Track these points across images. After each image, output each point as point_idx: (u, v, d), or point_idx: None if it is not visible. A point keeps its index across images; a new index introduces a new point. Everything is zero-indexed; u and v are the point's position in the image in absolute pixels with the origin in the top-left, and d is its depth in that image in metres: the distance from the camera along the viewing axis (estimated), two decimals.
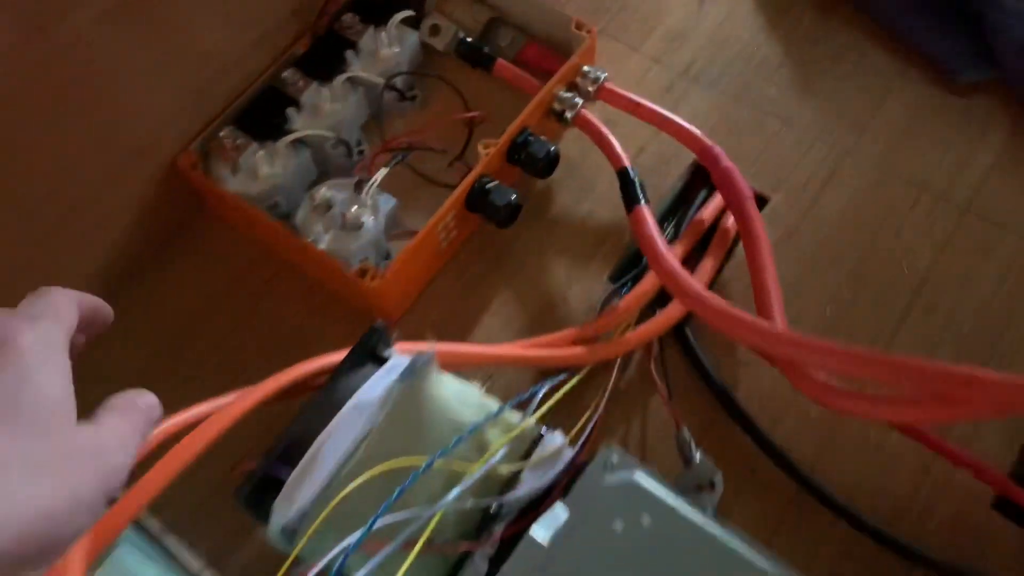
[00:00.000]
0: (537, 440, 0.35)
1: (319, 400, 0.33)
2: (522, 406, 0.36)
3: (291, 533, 0.31)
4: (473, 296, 0.43)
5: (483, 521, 0.34)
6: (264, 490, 0.32)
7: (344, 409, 0.32)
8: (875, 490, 0.37)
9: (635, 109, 0.45)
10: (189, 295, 0.44)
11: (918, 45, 0.48)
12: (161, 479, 0.29)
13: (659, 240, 0.39)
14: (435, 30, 0.47)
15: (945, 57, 0.47)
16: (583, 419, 0.39)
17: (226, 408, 0.31)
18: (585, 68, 0.45)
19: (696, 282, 0.37)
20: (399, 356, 0.34)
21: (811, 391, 0.35)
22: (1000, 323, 0.41)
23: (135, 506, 0.28)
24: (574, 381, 0.39)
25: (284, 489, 0.31)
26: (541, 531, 0.32)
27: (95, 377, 0.37)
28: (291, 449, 0.32)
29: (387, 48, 0.45)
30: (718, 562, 0.31)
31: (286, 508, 0.31)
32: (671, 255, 0.39)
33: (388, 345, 0.35)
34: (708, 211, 0.44)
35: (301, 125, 0.44)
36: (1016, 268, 0.42)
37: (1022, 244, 0.43)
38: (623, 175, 0.42)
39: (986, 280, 0.42)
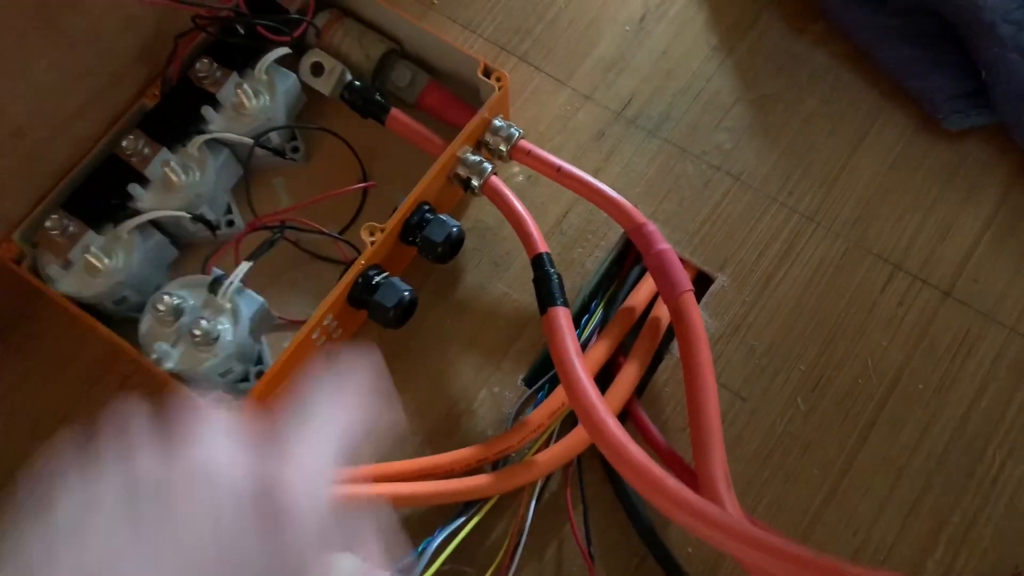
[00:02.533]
0: None
1: None
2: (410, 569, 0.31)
3: None
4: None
5: None
6: None
7: None
8: None
9: (555, 175, 0.37)
10: (31, 407, 0.37)
11: (901, 78, 0.40)
12: None
13: (571, 355, 0.32)
14: (318, 70, 0.39)
15: (932, 96, 0.39)
16: (489, 571, 0.33)
17: None
18: (496, 122, 0.37)
19: (615, 422, 0.31)
20: None
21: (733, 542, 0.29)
22: (982, 436, 0.34)
23: None
24: (475, 521, 0.33)
25: None
26: None
27: None
28: None
29: (253, 100, 0.37)
30: None
31: None
32: (585, 378, 0.32)
33: None
34: (641, 295, 0.37)
35: (149, 203, 0.36)
36: (1002, 368, 0.35)
37: (1011, 337, 0.36)
38: (537, 265, 0.35)
39: (965, 387, 0.35)
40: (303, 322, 0.33)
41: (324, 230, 0.37)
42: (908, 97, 0.40)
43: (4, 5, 0.32)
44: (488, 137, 0.37)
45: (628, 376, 0.35)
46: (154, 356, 0.33)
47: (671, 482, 0.29)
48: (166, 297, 0.34)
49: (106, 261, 0.35)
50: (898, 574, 0.32)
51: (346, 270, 0.35)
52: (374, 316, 0.35)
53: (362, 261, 0.34)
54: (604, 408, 0.31)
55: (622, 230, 0.38)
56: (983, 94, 0.39)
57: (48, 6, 0.33)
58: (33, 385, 0.37)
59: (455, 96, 0.39)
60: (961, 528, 0.33)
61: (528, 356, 0.37)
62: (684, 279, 0.34)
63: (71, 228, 0.35)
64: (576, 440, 0.34)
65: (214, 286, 0.34)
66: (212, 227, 0.37)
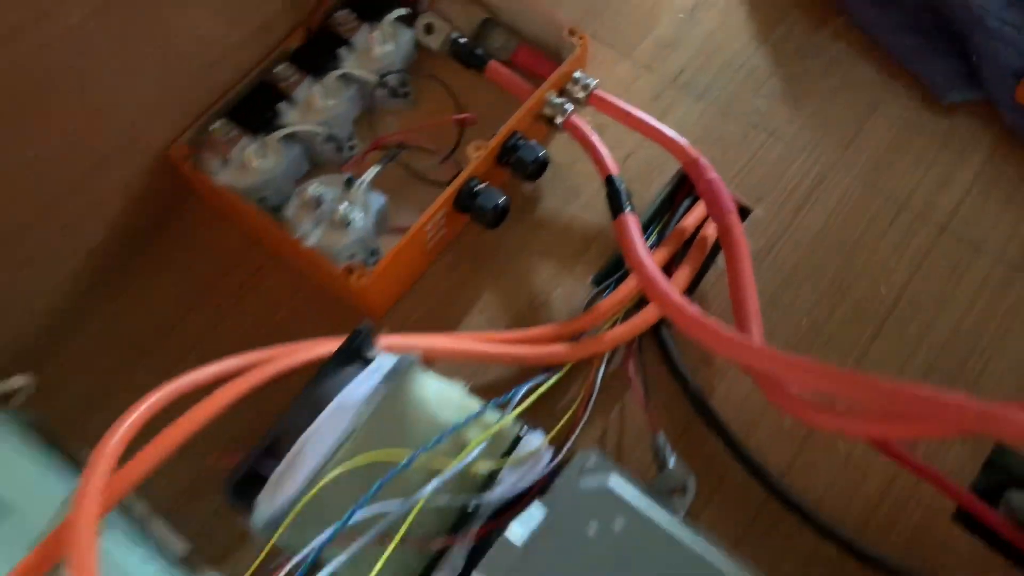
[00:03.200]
0: (517, 440, 0.36)
1: (304, 398, 0.33)
2: (503, 407, 0.37)
3: (275, 527, 0.32)
4: (458, 295, 0.44)
5: (461, 518, 0.35)
6: (250, 483, 0.32)
7: (328, 408, 0.33)
8: (842, 499, 0.39)
9: (624, 117, 0.45)
10: (174, 286, 0.44)
11: (906, 63, 0.49)
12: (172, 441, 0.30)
13: (641, 247, 0.40)
14: (429, 29, 0.48)
15: (932, 77, 0.48)
16: (563, 420, 0.40)
17: (229, 386, 0.32)
18: (576, 74, 0.46)
19: (674, 290, 0.38)
20: (384, 357, 0.35)
21: (784, 404, 0.36)
22: (969, 343, 0.42)
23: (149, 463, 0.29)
24: (553, 380, 0.40)
25: (268, 484, 0.32)
26: (517, 530, 0.33)
27: (76, 368, 0.38)
28: (276, 445, 0.33)
29: (380, 46, 0.46)
30: (687, 567, 0.32)
31: (269, 503, 0.32)
32: (651, 262, 0.39)
33: (373, 346, 0.35)
34: (691, 220, 0.45)
35: (293, 120, 0.44)
36: (988, 290, 0.43)
37: (995, 265, 0.44)
38: (609, 183, 0.43)
39: (959, 300, 0.43)
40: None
41: (434, 149, 0.45)
42: (911, 77, 0.49)
43: None
44: (569, 85, 0.46)
45: (682, 276, 0.43)
46: (299, 234, 0.41)
47: (722, 327, 0.36)
48: (310, 188, 0.41)
49: (257, 162, 0.43)
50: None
51: (453, 179, 0.42)
52: (475, 218, 0.43)
53: (467, 173, 0.42)
54: (666, 280, 0.38)
55: (674, 171, 0.47)
56: (973, 75, 0.47)
57: None
58: (174, 270, 0.44)
59: (541, 54, 0.48)
60: None
61: (595, 264, 0.45)
62: (730, 202, 0.42)
63: (232, 133, 0.43)
64: (638, 322, 0.41)
65: (349, 182, 0.42)
66: (340, 146, 0.45)
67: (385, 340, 0.37)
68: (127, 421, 0.30)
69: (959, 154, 0.47)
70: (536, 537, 0.33)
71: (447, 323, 0.43)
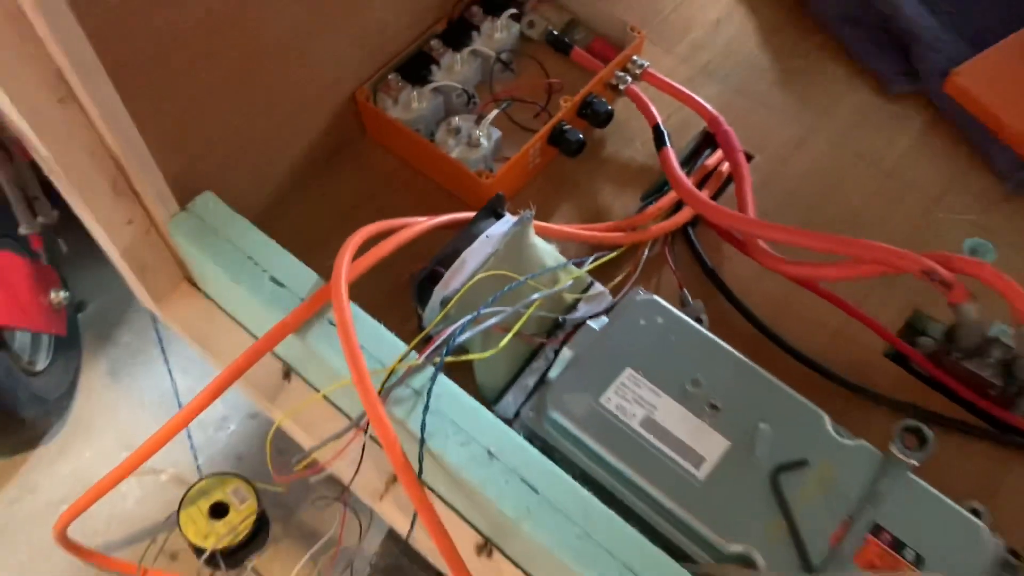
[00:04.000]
0: (588, 286, 0.55)
1: (464, 233, 0.52)
2: (580, 266, 0.56)
3: (445, 305, 0.51)
4: (549, 203, 0.63)
5: (553, 327, 0.53)
6: (430, 281, 0.51)
7: (479, 237, 0.52)
8: (807, 338, 0.57)
9: (668, 88, 0.65)
10: (348, 191, 0.63)
11: (865, 61, 0.69)
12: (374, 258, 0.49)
13: (677, 167, 0.59)
14: (531, 24, 0.68)
15: (885, 71, 0.68)
16: (618, 278, 0.58)
17: (415, 224, 0.51)
18: (634, 58, 0.66)
19: (701, 193, 0.57)
20: (511, 216, 0.54)
21: (765, 261, 0.55)
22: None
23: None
24: (614, 254, 0.59)
25: (443, 280, 0.51)
26: (594, 324, 0.52)
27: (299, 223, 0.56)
28: (446, 259, 0.52)
29: (499, 32, 0.66)
30: (706, 347, 0.51)
31: (443, 290, 0.51)
32: (684, 176, 0.59)
33: (503, 208, 0.55)
34: (712, 160, 0.64)
35: (440, 78, 0.64)
36: (915, 213, 0.62)
37: (922, 198, 0.63)
38: (656, 129, 0.62)
39: (897, 219, 0.62)
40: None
41: (533, 101, 0.65)
42: (869, 73, 0.69)
43: None
44: (629, 65, 0.66)
45: (705, 192, 0.62)
46: (446, 150, 0.60)
47: (729, 209, 0.55)
48: (455, 120, 0.61)
49: (416, 103, 0.62)
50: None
51: (548, 121, 0.62)
52: (563, 147, 0.62)
53: (558, 117, 0.62)
54: (693, 186, 0.58)
55: (699, 130, 0.66)
56: (915, 72, 0.67)
57: None
58: (349, 180, 0.64)
59: (610, 44, 0.68)
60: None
61: (644, 186, 0.64)
62: (738, 145, 0.62)
63: (400, 83, 0.63)
64: (673, 221, 0.60)
65: (478, 120, 0.61)
66: (470, 98, 0.65)
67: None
68: (353, 240, 0.49)
69: (901, 127, 0.66)
70: (605, 327, 0.51)
71: (543, 216, 0.62)
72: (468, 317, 0.48)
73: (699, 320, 0.56)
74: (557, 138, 0.62)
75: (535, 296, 0.51)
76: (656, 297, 0.53)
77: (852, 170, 0.64)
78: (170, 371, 0.86)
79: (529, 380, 0.53)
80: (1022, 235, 0.62)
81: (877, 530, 0.45)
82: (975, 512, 0.47)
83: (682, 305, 0.58)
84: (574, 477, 0.45)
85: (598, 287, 0.55)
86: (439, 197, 0.63)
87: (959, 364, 0.54)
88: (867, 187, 0.64)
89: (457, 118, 0.62)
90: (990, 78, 0.65)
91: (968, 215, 0.62)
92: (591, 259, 0.57)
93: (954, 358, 0.54)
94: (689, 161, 0.65)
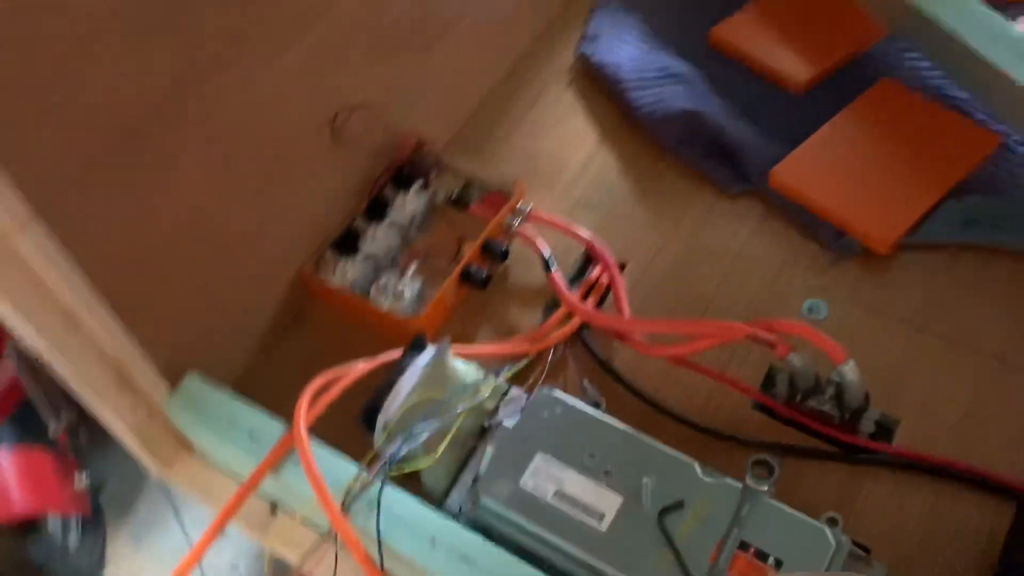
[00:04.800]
0: (507, 391, 0.69)
1: (396, 368, 0.66)
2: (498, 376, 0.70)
3: (384, 430, 0.64)
4: (471, 329, 0.78)
5: (482, 431, 0.67)
6: (373, 411, 0.65)
7: (408, 369, 0.66)
8: (684, 402, 0.70)
9: (550, 223, 0.81)
10: (304, 347, 0.78)
11: (705, 172, 0.85)
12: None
13: (565, 286, 0.75)
14: (435, 191, 0.84)
15: (721, 178, 0.85)
16: (533, 379, 0.72)
17: (356, 368, 0.65)
18: (521, 203, 0.82)
19: (584, 304, 0.72)
20: (432, 346, 0.68)
21: (638, 347, 0.69)
22: (750, 311, 0.75)
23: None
24: (525, 362, 0.73)
25: (383, 408, 0.64)
26: (509, 422, 0.65)
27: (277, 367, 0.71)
28: (383, 391, 0.65)
29: (410, 203, 0.82)
30: (597, 428, 0.64)
31: (384, 416, 0.64)
32: (570, 293, 0.74)
33: (425, 342, 0.69)
34: (594, 274, 0.79)
35: (367, 247, 0.79)
36: (761, 288, 0.77)
37: (765, 274, 0.78)
38: (543, 258, 0.78)
39: (748, 295, 0.77)
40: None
41: (446, 251, 0.80)
42: (710, 180, 0.85)
43: None
44: (518, 210, 0.82)
45: (590, 302, 0.77)
46: (379, 304, 0.75)
47: (609, 313, 0.69)
48: (382, 279, 0.76)
49: (351, 272, 0.78)
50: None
51: (458, 265, 0.77)
52: (473, 283, 0.77)
53: (464, 260, 0.77)
54: (579, 300, 0.73)
55: (581, 251, 0.82)
56: (746, 175, 0.84)
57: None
58: (304, 338, 0.78)
59: (500, 195, 0.84)
60: None
61: (543, 302, 0.79)
62: (612, 259, 0.77)
63: (335, 257, 0.78)
64: (569, 327, 0.75)
65: (401, 274, 0.77)
66: (393, 259, 0.80)
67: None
68: (308, 390, 0.63)
69: (741, 221, 0.82)
70: (517, 424, 0.65)
71: (463, 341, 0.76)
72: (404, 435, 0.62)
73: (597, 404, 0.70)
74: (467, 277, 0.77)
75: (459, 409, 0.65)
76: (556, 392, 0.66)
77: (706, 261, 0.80)
78: (184, 530, 0.98)
79: (468, 477, 0.66)
80: (849, 290, 0.76)
81: (744, 546, 0.57)
82: (832, 520, 0.60)
83: (584, 393, 0.71)
84: (510, 550, 0.57)
85: (515, 391, 0.69)
86: (378, 342, 0.77)
87: (805, 404, 0.68)
88: (719, 273, 0.79)
89: (384, 277, 0.77)
90: (801, 171, 0.82)
91: (804, 282, 0.77)
92: (506, 369, 0.71)
93: (799, 400, 0.68)
94: (578, 277, 0.80)
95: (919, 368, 0.72)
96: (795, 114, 0.87)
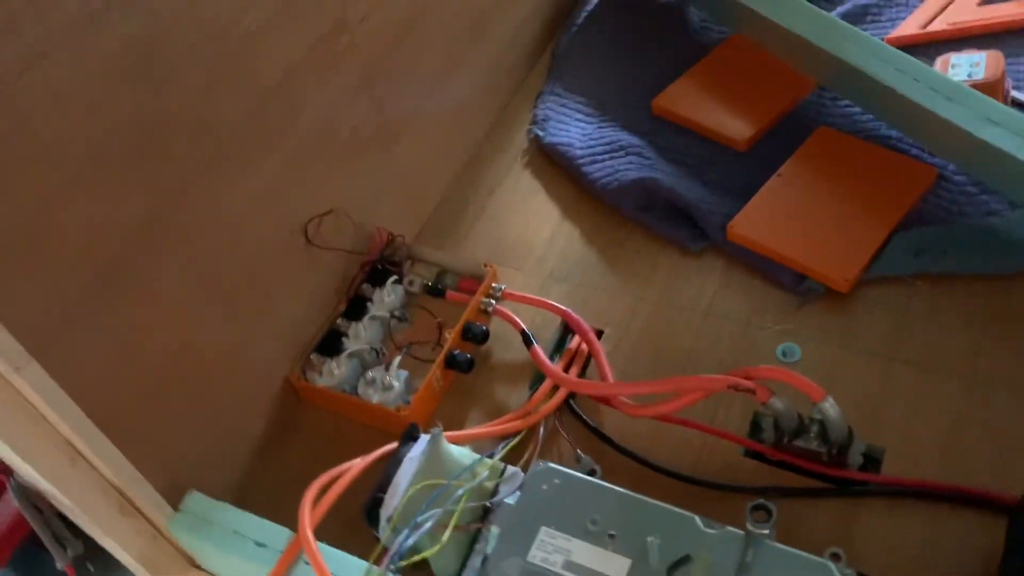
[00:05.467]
0: (503, 471, 0.70)
1: (392, 461, 0.68)
2: (493, 457, 0.72)
3: (387, 523, 0.65)
4: (460, 414, 0.79)
5: (484, 512, 0.68)
6: (375, 506, 0.65)
7: (404, 461, 0.67)
8: (680, 458, 0.72)
9: (524, 300, 0.84)
10: (300, 450, 0.79)
11: (667, 234, 0.89)
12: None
13: (546, 359, 0.77)
14: (411, 282, 0.87)
15: (682, 238, 0.88)
16: (525, 458, 0.74)
17: (353, 466, 0.66)
18: (494, 285, 0.85)
19: (568, 374, 0.74)
20: (425, 436, 0.70)
21: (625, 409, 0.71)
22: (728, 361, 0.78)
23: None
24: (517, 439, 0.75)
25: (384, 503, 0.65)
26: (511, 500, 0.66)
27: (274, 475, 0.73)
28: (383, 486, 0.66)
29: (388, 297, 0.85)
30: (597, 494, 0.65)
31: (386, 511, 0.65)
32: (552, 365, 0.76)
33: (418, 432, 0.70)
34: (574, 343, 0.82)
35: (351, 345, 0.81)
36: (734, 339, 0.80)
37: (737, 324, 0.81)
38: (523, 334, 0.80)
39: (722, 347, 0.79)
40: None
41: (428, 340, 0.82)
42: (672, 242, 0.89)
43: None
44: (492, 290, 0.84)
45: (573, 371, 0.79)
46: (367, 398, 0.77)
47: (592, 381, 0.72)
48: (368, 374, 0.78)
49: (337, 371, 0.79)
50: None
51: (441, 352, 0.79)
52: (456, 368, 0.79)
53: (447, 347, 0.79)
54: (562, 371, 0.75)
55: (558, 323, 0.84)
56: (704, 234, 0.88)
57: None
58: (298, 437, 0.79)
59: (474, 279, 0.87)
60: None
61: (528, 378, 0.81)
62: (588, 327, 0.80)
63: (320, 359, 0.80)
64: (556, 400, 0.76)
65: (388, 367, 0.79)
66: (378, 353, 0.82)
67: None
68: (308, 494, 0.64)
69: (707, 276, 0.86)
70: (518, 501, 0.66)
71: (455, 426, 0.78)
72: (408, 526, 0.63)
73: (593, 471, 0.71)
74: (451, 363, 0.79)
75: (459, 492, 0.66)
76: (552, 464, 0.68)
77: (678, 319, 0.83)
78: None
79: (476, 561, 0.67)
80: (818, 331, 0.80)
81: None
82: (835, 556, 0.61)
83: (577, 463, 0.73)
84: None
85: (511, 469, 0.70)
86: (372, 436, 0.78)
87: (792, 444, 0.70)
88: (691, 329, 0.82)
89: (371, 372, 0.79)
90: (756, 222, 0.86)
91: (774, 327, 0.80)
92: (500, 449, 0.73)
93: (786, 441, 0.70)
94: (558, 348, 0.83)
95: (896, 396, 0.74)
96: (742, 170, 0.92)
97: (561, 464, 0.69)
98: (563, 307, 0.82)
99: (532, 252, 0.92)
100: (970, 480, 0.68)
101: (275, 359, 0.79)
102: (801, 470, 0.70)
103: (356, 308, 0.84)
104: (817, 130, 0.93)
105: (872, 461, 0.70)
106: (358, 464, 0.68)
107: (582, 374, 0.80)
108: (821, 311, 0.81)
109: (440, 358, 0.79)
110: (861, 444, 0.70)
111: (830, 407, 0.67)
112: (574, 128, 1.00)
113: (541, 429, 0.76)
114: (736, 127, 0.96)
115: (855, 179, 0.88)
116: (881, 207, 0.85)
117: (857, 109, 0.95)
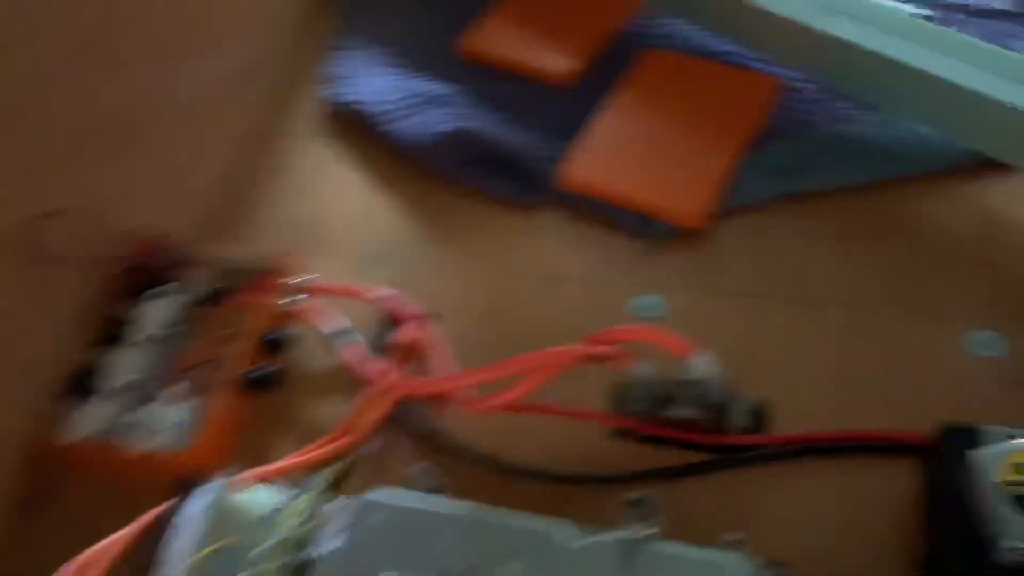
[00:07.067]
0: (321, 509, 0.55)
1: (162, 531, 0.51)
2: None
3: None
4: (270, 444, 0.63)
5: (300, 568, 0.52)
6: None
7: (180, 523, 0.51)
8: (541, 452, 0.59)
9: (335, 291, 0.68)
10: (51, 523, 0.60)
11: (493, 191, 0.76)
12: None
13: (363, 362, 0.62)
14: (188, 290, 0.69)
15: (511, 192, 0.75)
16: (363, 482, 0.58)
17: (111, 545, 0.49)
18: (296, 279, 0.69)
19: (391, 375, 0.60)
20: (207, 485, 0.53)
21: (466, 406, 0.57)
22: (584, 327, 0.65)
23: None
24: (342, 463, 0.59)
25: None
26: (328, 544, 0.51)
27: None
28: (156, 566, 0.50)
29: (156, 313, 0.67)
30: (437, 524, 0.51)
31: None
32: (374, 368, 0.61)
33: (192, 484, 0.53)
34: (398, 337, 0.67)
35: (110, 382, 0.63)
36: (581, 299, 0.68)
37: (581, 284, 0.69)
38: (332, 334, 0.65)
39: (570, 313, 0.67)
40: None
41: (214, 358, 0.65)
42: (501, 201, 0.75)
43: None
44: (292, 286, 0.68)
45: (398, 368, 0.64)
46: (138, 447, 0.59)
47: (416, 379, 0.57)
48: (130, 416, 0.60)
49: (89, 422, 0.61)
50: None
51: (234, 370, 0.63)
52: (260, 389, 0.63)
53: (241, 362, 0.63)
54: (386, 377, 0.60)
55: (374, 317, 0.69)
56: (536, 185, 0.75)
57: None
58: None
59: (264, 275, 0.70)
60: None
61: (352, 388, 0.65)
62: (420, 315, 0.65)
63: (68, 406, 0.62)
64: (382, 407, 0.62)
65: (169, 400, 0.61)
66: (147, 385, 0.65)
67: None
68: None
69: (543, 234, 0.73)
70: (341, 550, 0.51)
71: (266, 459, 0.61)
72: None
73: (440, 489, 0.57)
74: (250, 382, 0.63)
75: (262, 550, 0.50)
76: (383, 492, 0.53)
77: (522, 287, 0.70)
78: None
79: None
80: (676, 278, 0.69)
81: None
82: (737, 542, 0.50)
83: (415, 481, 0.58)
84: None
85: (339, 501, 0.55)
86: (151, 494, 0.61)
87: (665, 415, 0.58)
88: (538, 296, 0.69)
89: (136, 412, 0.61)
90: (589, 165, 0.74)
91: (627, 280, 0.69)
92: (315, 481, 0.57)
93: (659, 413, 0.58)
94: (382, 343, 0.68)
95: (773, 338, 0.65)
96: (569, 108, 0.80)
97: (402, 486, 0.55)
98: (384, 293, 0.67)
99: (337, 233, 0.76)
100: (868, 420, 0.58)
101: (5, 420, 0.60)
102: (680, 443, 0.59)
103: (112, 334, 0.66)
104: (645, 53, 0.82)
105: (761, 418, 0.59)
106: (117, 541, 0.50)
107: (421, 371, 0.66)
108: (677, 254, 0.70)
109: (229, 379, 0.62)
110: (746, 401, 0.59)
111: (703, 363, 0.56)
112: (375, 83, 0.84)
113: (368, 448, 0.61)
114: (555, 61, 0.83)
115: (694, 103, 0.78)
116: (727, 130, 0.75)
117: (686, 26, 0.85)
